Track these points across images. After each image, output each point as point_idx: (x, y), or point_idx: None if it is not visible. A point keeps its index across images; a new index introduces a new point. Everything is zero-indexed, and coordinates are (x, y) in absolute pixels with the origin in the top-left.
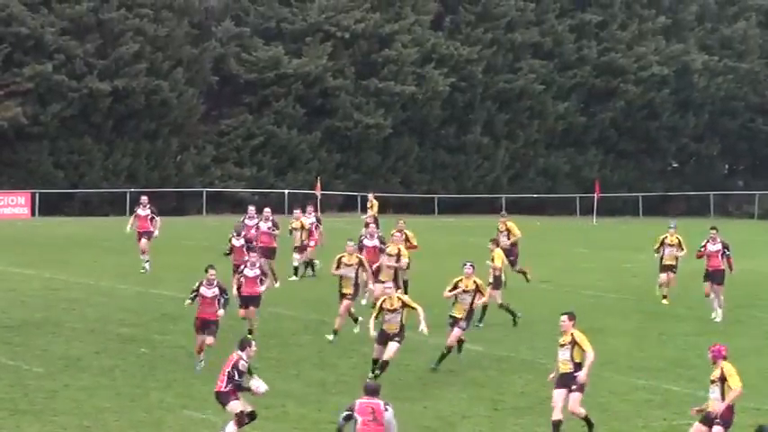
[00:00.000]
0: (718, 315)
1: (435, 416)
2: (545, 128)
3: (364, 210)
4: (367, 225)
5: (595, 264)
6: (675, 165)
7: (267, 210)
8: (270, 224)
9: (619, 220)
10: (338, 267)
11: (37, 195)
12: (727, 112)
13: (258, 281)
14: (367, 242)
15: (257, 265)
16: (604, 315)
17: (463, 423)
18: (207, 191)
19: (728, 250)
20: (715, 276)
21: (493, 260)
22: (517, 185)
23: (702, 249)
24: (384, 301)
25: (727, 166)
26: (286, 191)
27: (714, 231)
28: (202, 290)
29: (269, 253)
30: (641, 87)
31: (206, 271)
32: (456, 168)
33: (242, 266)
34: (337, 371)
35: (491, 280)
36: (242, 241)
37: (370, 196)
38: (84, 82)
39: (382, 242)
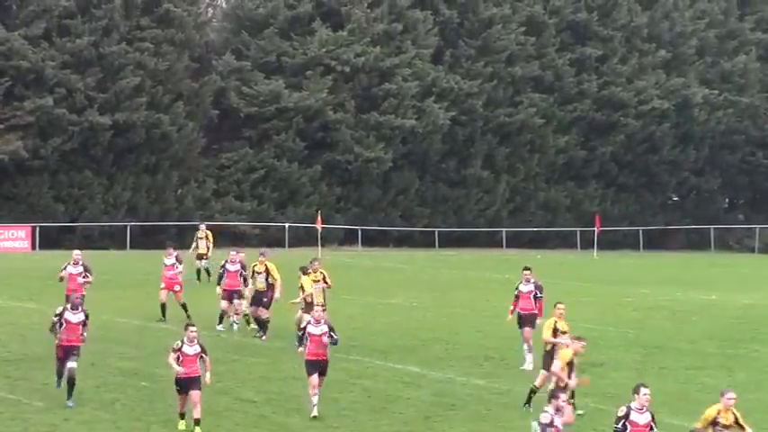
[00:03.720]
0: (528, 363)
1: None
2: (545, 161)
3: (365, 243)
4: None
5: (596, 297)
6: (676, 198)
7: (77, 252)
8: (238, 266)
9: (619, 254)
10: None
11: (37, 229)
12: (727, 146)
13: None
14: (229, 267)
15: (237, 261)
16: (605, 349)
17: None
18: (207, 224)
19: (540, 292)
20: (526, 319)
21: (302, 287)
22: (517, 219)
23: (516, 292)
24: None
25: (727, 200)
26: (286, 225)
27: (528, 272)
28: (185, 348)
29: (235, 296)
30: (641, 121)
31: (186, 329)
32: (456, 202)
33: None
34: (338, 405)
35: (302, 305)
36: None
37: (203, 227)
38: (85, 116)
39: (243, 267)
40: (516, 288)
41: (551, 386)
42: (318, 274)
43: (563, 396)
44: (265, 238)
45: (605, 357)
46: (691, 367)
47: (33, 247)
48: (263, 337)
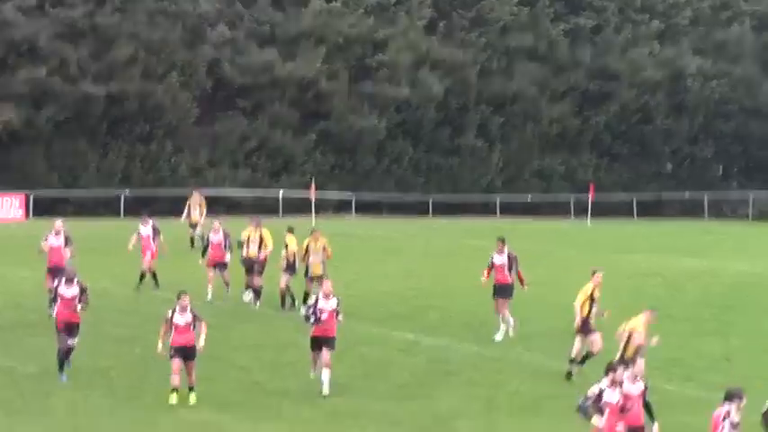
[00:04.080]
0: (500, 333)
1: (431, 414)
2: (539, 131)
3: (359, 211)
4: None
5: (590, 265)
6: (670, 167)
7: (59, 222)
8: (221, 236)
9: (613, 222)
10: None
11: (31, 197)
12: (721, 115)
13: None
14: (212, 238)
15: (219, 231)
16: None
17: (458, 422)
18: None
19: (515, 263)
20: (500, 291)
21: (286, 246)
22: (511, 187)
23: (490, 262)
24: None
25: (721, 168)
26: (280, 193)
27: (501, 243)
28: (176, 318)
29: (221, 267)
30: (635, 91)
31: (178, 297)
32: (450, 170)
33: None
34: (333, 372)
35: (284, 265)
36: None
37: (197, 194)
38: (79, 86)
39: (227, 237)
40: (490, 258)
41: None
42: (319, 244)
43: (620, 370)
44: (259, 207)
45: (599, 324)
46: (685, 334)
47: (27, 216)
48: (257, 304)
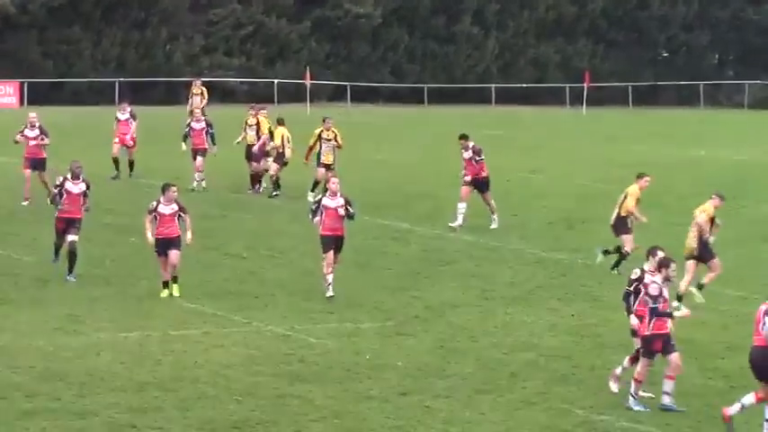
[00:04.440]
0: (494, 222)
1: (425, 305)
2: (535, 17)
3: (354, 100)
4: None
5: (585, 153)
6: (666, 54)
7: (33, 115)
8: (203, 124)
9: (608, 110)
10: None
11: (25, 85)
12: (717, 2)
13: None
14: (194, 125)
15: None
16: (593, 205)
17: (453, 312)
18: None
19: (480, 155)
20: (477, 185)
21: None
22: (507, 75)
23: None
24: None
25: (717, 56)
26: (275, 81)
27: (463, 140)
28: (161, 208)
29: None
30: None
31: (163, 191)
32: (446, 58)
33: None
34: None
35: (274, 154)
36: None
37: (198, 83)
38: None
39: (210, 125)
40: (461, 156)
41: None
42: (330, 132)
43: (673, 266)
44: (254, 94)
45: (593, 213)
46: (678, 223)
47: (21, 104)
48: (260, 191)
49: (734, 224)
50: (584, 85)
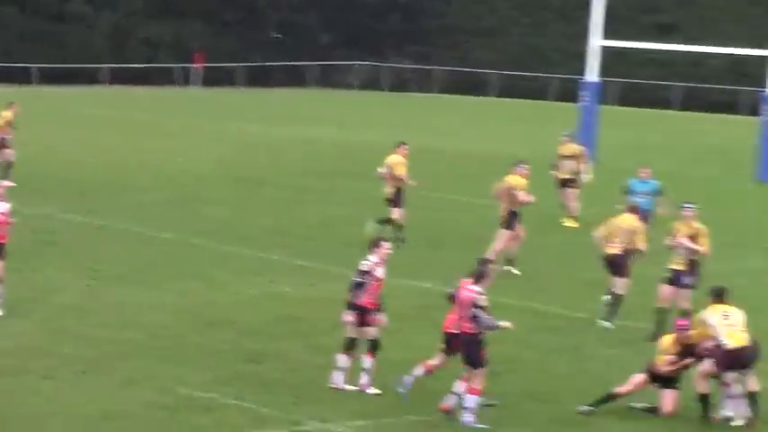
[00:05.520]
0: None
1: (31, 286)
2: (143, 2)
3: None
4: None
5: (196, 133)
6: (277, 35)
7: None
8: None
9: (221, 91)
10: None
11: None
12: None
13: None
14: None
15: None
16: (206, 185)
17: (60, 293)
18: None
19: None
20: None
21: None
22: (120, 56)
23: None
24: None
25: (327, 38)
26: None
27: None
28: None
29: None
30: None
31: None
32: (58, 38)
33: None
34: None
35: None
36: None
37: None
38: None
39: None
40: None
41: None
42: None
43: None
44: None
45: (203, 194)
46: (290, 201)
47: None
48: None
49: (343, 202)
50: (195, 65)
